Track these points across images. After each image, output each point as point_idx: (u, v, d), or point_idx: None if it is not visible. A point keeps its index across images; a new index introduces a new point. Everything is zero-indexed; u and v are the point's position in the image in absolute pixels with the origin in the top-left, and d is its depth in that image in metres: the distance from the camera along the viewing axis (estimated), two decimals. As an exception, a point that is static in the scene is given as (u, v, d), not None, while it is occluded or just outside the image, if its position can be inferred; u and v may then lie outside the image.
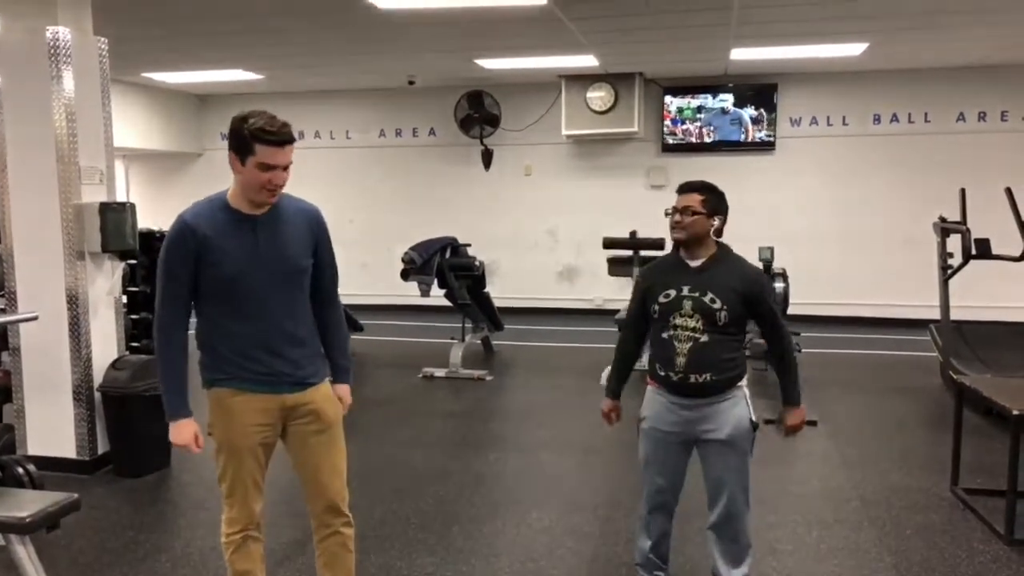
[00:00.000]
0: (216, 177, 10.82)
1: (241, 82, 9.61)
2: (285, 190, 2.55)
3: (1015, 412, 3.58)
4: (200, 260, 2.47)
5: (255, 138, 2.39)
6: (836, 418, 5.64)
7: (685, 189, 2.86)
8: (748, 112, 9.52)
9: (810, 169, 9.56)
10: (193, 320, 2.59)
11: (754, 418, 2.82)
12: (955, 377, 4.39)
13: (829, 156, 9.49)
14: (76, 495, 3.14)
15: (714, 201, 2.82)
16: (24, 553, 2.98)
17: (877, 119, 9.31)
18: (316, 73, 9.27)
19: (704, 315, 2.73)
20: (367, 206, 10.55)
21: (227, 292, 2.52)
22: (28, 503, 3.04)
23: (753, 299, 2.78)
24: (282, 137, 2.42)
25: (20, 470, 3.74)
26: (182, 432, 2.56)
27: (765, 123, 9.48)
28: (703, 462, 2.88)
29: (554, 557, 3.51)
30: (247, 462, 2.59)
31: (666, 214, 2.89)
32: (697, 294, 2.75)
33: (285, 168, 2.46)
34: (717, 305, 2.72)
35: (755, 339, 6.87)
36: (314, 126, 10.62)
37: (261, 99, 10.63)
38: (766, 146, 9.53)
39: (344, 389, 2.72)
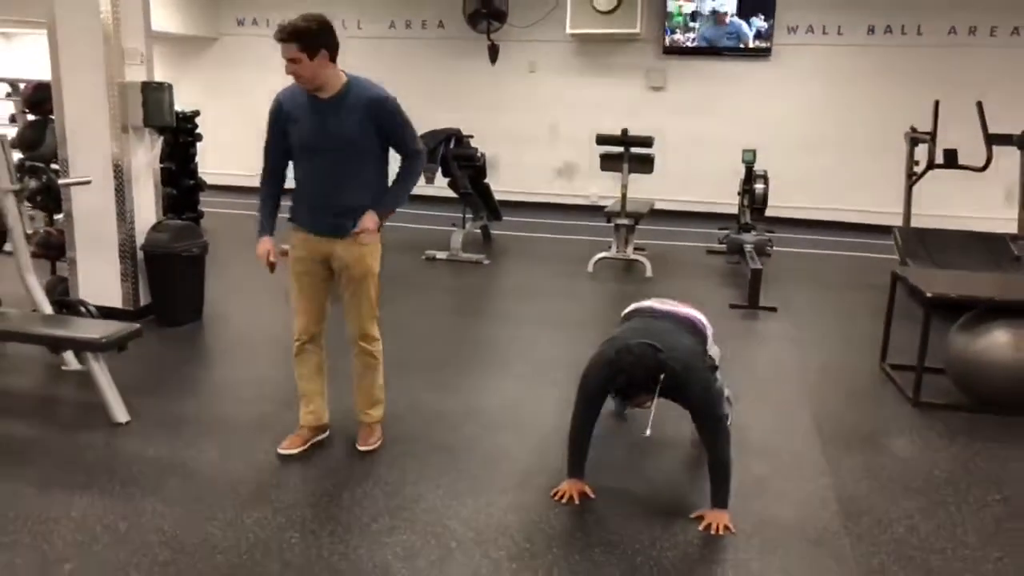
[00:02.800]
0: (231, 61, 11.39)
1: (257, -32, 9.86)
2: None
3: (928, 294, 4.20)
4: (283, 128, 3.25)
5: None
6: (795, 307, 6.28)
7: None
8: (753, 24, 9.80)
9: (804, 77, 9.93)
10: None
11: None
12: (893, 270, 4.99)
13: (823, 65, 9.85)
14: (138, 325, 3.83)
15: None
16: (99, 368, 3.69)
17: (872, 30, 9.63)
18: (330, -38, 9.50)
19: None
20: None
21: (298, 155, 3.28)
22: (100, 328, 3.73)
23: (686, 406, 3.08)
24: (277, 36, 3.05)
25: (83, 309, 4.42)
26: (259, 246, 3.33)
27: (766, 32, 9.78)
28: None
29: (532, 397, 4.21)
30: (297, 284, 3.37)
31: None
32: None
33: (291, 61, 3.05)
34: None
35: (732, 235, 7.51)
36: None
37: (275, -14, 10.88)
38: (763, 53, 9.87)
39: (366, 214, 3.28)
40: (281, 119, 3.24)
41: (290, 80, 3.19)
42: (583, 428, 3.17)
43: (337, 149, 3.19)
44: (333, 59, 3.13)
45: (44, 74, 6.16)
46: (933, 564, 2.79)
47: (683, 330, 3.25)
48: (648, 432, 2.97)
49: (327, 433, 3.62)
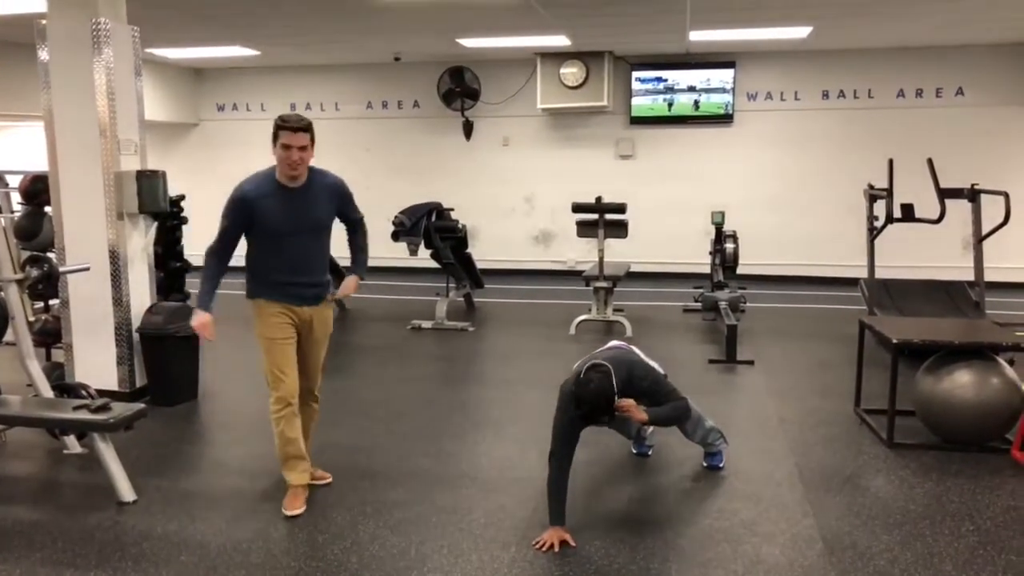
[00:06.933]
0: (211, 146, 11.74)
1: (237, 57, 10.24)
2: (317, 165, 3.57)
3: (894, 340, 4.45)
4: (253, 215, 3.46)
5: (277, 127, 3.42)
6: (770, 359, 6.52)
7: None
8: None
9: (764, 140, 10.40)
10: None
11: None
12: (861, 319, 5.25)
13: (782, 129, 10.33)
14: (143, 405, 3.96)
15: None
16: (106, 449, 3.80)
17: (826, 95, 10.16)
18: (309, 50, 9.94)
19: None
20: (355, 174, 11.13)
21: (268, 240, 3.53)
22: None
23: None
24: (295, 124, 3.37)
25: (84, 392, 4.53)
26: (199, 319, 3.59)
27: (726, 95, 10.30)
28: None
29: (525, 459, 4.34)
30: (281, 352, 3.60)
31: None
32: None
33: (302, 149, 3.39)
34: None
35: (706, 293, 7.78)
36: (305, 98, 11.29)
37: (254, 73, 11.29)
38: (725, 119, 10.35)
39: (352, 278, 3.79)
40: (247, 210, 3.46)
41: (252, 168, 3.57)
42: (561, 470, 3.42)
43: (310, 231, 3.58)
44: None
45: (26, 166, 6.38)
46: (915, 593, 2.96)
47: (616, 354, 3.80)
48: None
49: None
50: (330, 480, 3.95)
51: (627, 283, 8.39)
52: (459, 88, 10.66)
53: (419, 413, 5.17)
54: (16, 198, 6.02)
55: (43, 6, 5.18)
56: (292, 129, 3.37)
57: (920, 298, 7.30)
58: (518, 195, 11.04)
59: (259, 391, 5.68)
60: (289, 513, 3.60)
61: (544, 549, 3.28)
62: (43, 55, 5.13)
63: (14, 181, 6.06)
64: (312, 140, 3.46)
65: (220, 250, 3.57)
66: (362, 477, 4.07)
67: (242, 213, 3.48)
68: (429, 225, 7.87)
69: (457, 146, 11.03)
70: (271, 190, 3.48)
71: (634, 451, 4.37)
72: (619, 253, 8.70)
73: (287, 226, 3.50)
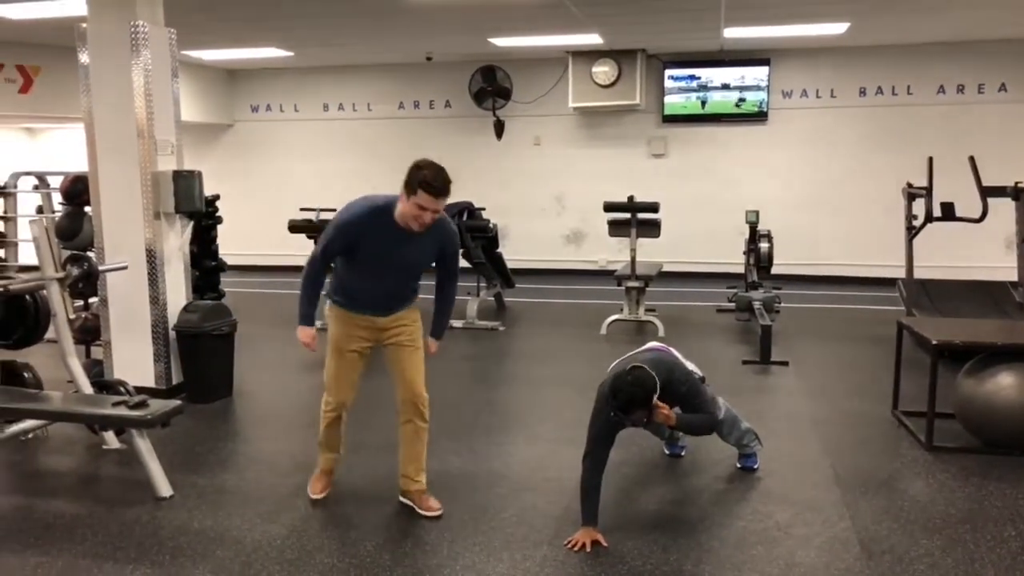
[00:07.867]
0: (245, 146, 11.82)
1: (270, 58, 10.35)
2: None
3: (934, 342, 4.36)
4: (357, 244, 3.36)
5: (421, 184, 3.15)
6: (805, 360, 6.43)
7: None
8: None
9: (800, 139, 10.26)
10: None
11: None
12: (899, 320, 5.15)
13: (818, 127, 10.19)
14: (180, 402, 4.01)
15: None
16: (144, 445, 3.86)
17: (863, 92, 10.00)
18: (342, 51, 10.02)
19: None
20: (387, 174, 11.22)
21: (365, 265, 3.44)
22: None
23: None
24: (439, 189, 3.16)
25: (122, 389, 4.60)
26: (305, 333, 3.53)
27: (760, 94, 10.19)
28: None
29: (556, 458, 4.34)
30: (344, 360, 3.60)
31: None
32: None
33: (434, 212, 3.22)
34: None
35: (740, 293, 7.70)
36: (338, 99, 11.38)
37: (287, 73, 11.40)
38: (759, 116, 10.23)
39: (432, 342, 3.68)
40: (355, 237, 3.34)
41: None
42: (595, 471, 3.40)
43: (409, 270, 3.51)
44: None
45: (67, 167, 6.50)
46: (955, 600, 2.89)
47: (656, 356, 3.75)
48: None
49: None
50: (440, 513, 3.61)
51: (659, 283, 8.33)
52: (490, 87, 10.67)
53: (450, 412, 5.17)
54: (57, 198, 6.16)
55: (84, 9, 5.28)
56: (435, 195, 3.16)
57: (960, 299, 7.16)
58: (549, 194, 11.02)
59: (293, 388, 5.78)
60: (311, 496, 3.77)
61: (576, 549, 3.27)
62: (83, 58, 5.22)
63: (55, 182, 6.18)
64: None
65: (319, 267, 3.47)
66: (394, 475, 4.05)
67: (349, 238, 3.36)
68: (460, 224, 7.88)
69: (488, 145, 11.04)
70: (384, 227, 3.30)
71: (667, 452, 4.34)
72: (651, 253, 8.64)
73: (388, 263, 3.39)
